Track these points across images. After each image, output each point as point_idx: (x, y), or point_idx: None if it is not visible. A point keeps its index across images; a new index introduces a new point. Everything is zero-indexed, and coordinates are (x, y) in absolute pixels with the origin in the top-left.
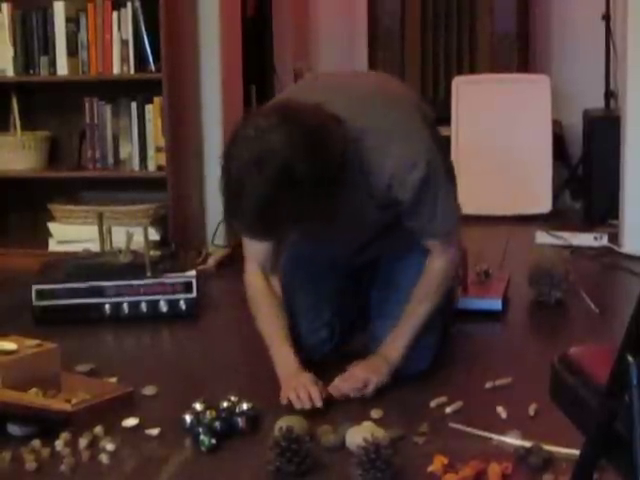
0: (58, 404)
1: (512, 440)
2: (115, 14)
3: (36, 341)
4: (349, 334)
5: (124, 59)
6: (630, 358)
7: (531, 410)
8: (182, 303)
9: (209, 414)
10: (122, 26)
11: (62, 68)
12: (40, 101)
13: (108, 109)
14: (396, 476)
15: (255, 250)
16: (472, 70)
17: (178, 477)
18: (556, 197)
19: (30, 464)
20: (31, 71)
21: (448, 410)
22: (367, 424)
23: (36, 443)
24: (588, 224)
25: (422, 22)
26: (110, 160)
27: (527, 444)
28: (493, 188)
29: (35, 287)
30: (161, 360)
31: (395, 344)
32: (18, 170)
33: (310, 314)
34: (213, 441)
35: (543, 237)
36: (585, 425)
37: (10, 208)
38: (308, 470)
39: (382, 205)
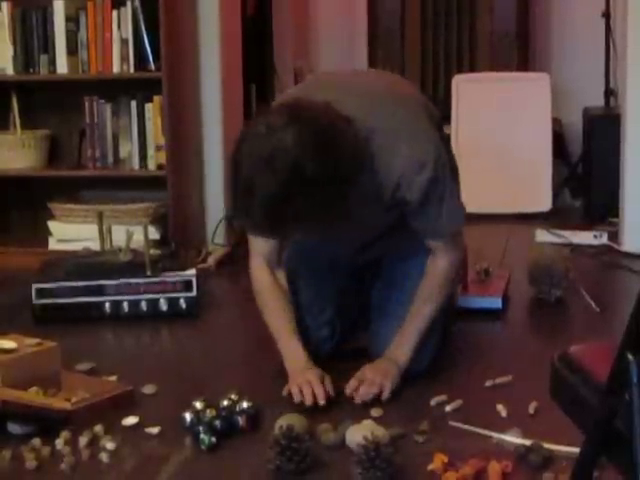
0: (58, 403)
1: (512, 438)
2: (115, 13)
3: (36, 340)
4: (350, 333)
5: (124, 58)
6: (630, 356)
7: (531, 408)
8: (182, 302)
9: (209, 413)
10: (122, 25)
11: (62, 67)
12: (40, 100)
13: (108, 108)
14: (396, 474)
15: (260, 244)
16: (472, 68)
17: (178, 476)
18: (556, 195)
19: (30, 463)
20: (31, 70)
21: (448, 408)
22: (367, 422)
23: (36, 442)
24: (588, 222)
25: (422, 21)
26: (110, 159)
27: (527, 442)
28: (493, 186)
29: (35, 286)
30: (161, 359)
31: (402, 347)
32: (18, 169)
33: (311, 312)
34: (213, 440)
35: (543, 235)
36: (585, 423)
37: (10, 207)
38: (308, 469)
39: (388, 205)
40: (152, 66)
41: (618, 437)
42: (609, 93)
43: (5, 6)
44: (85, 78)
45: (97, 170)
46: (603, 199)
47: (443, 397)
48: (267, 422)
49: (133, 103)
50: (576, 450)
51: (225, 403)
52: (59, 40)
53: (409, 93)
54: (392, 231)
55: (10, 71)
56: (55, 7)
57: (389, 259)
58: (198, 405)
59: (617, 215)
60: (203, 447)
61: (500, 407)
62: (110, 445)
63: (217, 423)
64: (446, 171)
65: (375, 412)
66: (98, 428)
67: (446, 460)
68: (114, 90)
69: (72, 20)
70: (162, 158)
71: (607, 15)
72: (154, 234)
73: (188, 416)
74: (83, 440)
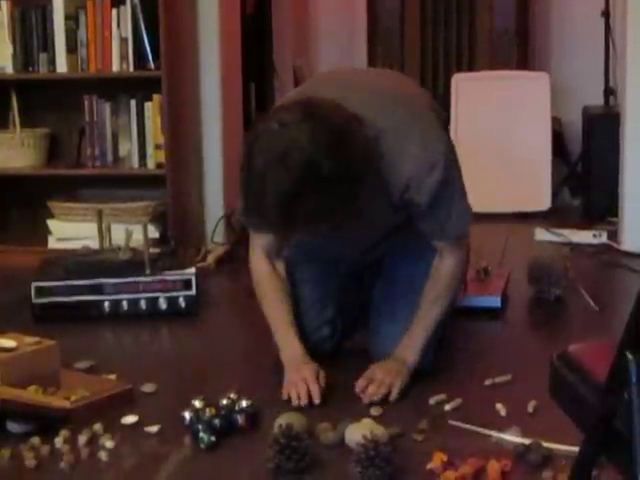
0: (57, 401)
1: (511, 437)
2: (114, 11)
3: (35, 338)
4: (350, 332)
5: (123, 57)
6: (629, 355)
7: (530, 407)
8: (181, 300)
9: (208, 411)
10: (121, 23)
11: (61, 65)
12: (39, 98)
13: (107, 107)
14: (395, 473)
15: (262, 236)
16: (471, 67)
17: (177, 474)
18: (555, 194)
19: (29, 461)
20: (30, 68)
21: (447, 407)
22: (366, 421)
23: (35, 440)
24: (587, 221)
25: (421, 19)
26: (109, 157)
27: (526, 441)
28: (492, 185)
29: (34, 284)
30: (160, 357)
31: (411, 348)
32: (17, 167)
33: (313, 311)
34: (212, 438)
35: (542, 234)
36: (584, 422)
37: (9, 205)
38: (307, 467)
39: (396, 205)
40: (151, 65)
41: (617, 436)
42: (609, 92)
43: (5, 5)
44: (84, 77)
45: (96, 169)
46: (602, 198)
47: (442, 396)
48: (266, 421)
49: (132, 102)
50: (575, 449)
51: (224, 402)
52: (58, 39)
53: (416, 92)
54: (398, 231)
55: (9, 70)
56: (54, 6)
57: (391, 258)
58: (197, 404)
59: (616, 214)
60: (202, 446)
61: (499, 406)
62: (109, 444)
63: (216, 422)
64: (455, 173)
65: (374, 411)
66: (97, 427)
67: (445, 459)
68: (113, 89)
69: (71, 19)
70: (161, 157)
71: (607, 14)
72: (153, 233)
73: (187, 415)
74: (82, 439)
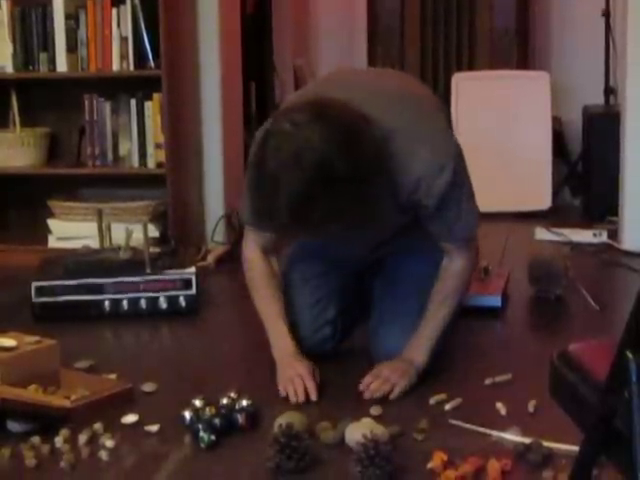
0: (57, 400)
1: (511, 437)
2: (114, 11)
3: (35, 338)
4: (350, 332)
5: (123, 56)
6: (629, 354)
7: (530, 406)
8: (182, 300)
9: (209, 411)
10: (121, 23)
11: (61, 65)
12: (39, 98)
13: (107, 106)
14: (395, 473)
15: (260, 235)
16: (471, 66)
17: (177, 474)
18: (556, 194)
19: (30, 461)
20: (30, 68)
21: (447, 407)
22: (366, 421)
23: (35, 440)
24: (587, 220)
25: (421, 18)
26: (109, 157)
27: (526, 440)
28: (492, 185)
29: (34, 284)
30: (160, 357)
31: (419, 349)
32: (17, 167)
33: (314, 311)
34: (213, 438)
35: (543, 234)
36: (584, 422)
37: (9, 205)
38: (307, 467)
39: (403, 206)
40: (152, 64)
41: (617, 436)
42: (609, 91)
43: (5, 4)
44: (85, 76)
45: (96, 168)
46: (603, 197)
47: (442, 395)
48: (266, 420)
49: (133, 101)
50: (575, 448)
51: (224, 401)
52: (59, 38)
53: (424, 94)
54: (404, 231)
55: (10, 69)
56: (55, 5)
57: (393, 257)
58: (197, 403)
59: (617, 213)
60: (202, 445)
61: (499, 405)
62: (109, 443)
63: (216, 421)
64: (464, 174)
65: (374, 410)
66: (97, 426)
67: (445, 458)
68: (114, 88)
69: (72, 18)
70: (161, 156)
71: (607, 13)
72: (153, 232)
73: (187, 414)
74: (82, 438)
